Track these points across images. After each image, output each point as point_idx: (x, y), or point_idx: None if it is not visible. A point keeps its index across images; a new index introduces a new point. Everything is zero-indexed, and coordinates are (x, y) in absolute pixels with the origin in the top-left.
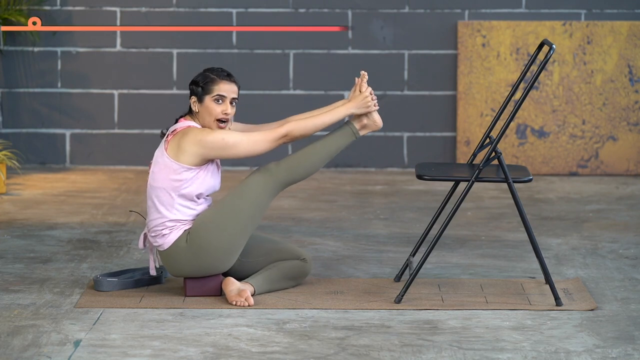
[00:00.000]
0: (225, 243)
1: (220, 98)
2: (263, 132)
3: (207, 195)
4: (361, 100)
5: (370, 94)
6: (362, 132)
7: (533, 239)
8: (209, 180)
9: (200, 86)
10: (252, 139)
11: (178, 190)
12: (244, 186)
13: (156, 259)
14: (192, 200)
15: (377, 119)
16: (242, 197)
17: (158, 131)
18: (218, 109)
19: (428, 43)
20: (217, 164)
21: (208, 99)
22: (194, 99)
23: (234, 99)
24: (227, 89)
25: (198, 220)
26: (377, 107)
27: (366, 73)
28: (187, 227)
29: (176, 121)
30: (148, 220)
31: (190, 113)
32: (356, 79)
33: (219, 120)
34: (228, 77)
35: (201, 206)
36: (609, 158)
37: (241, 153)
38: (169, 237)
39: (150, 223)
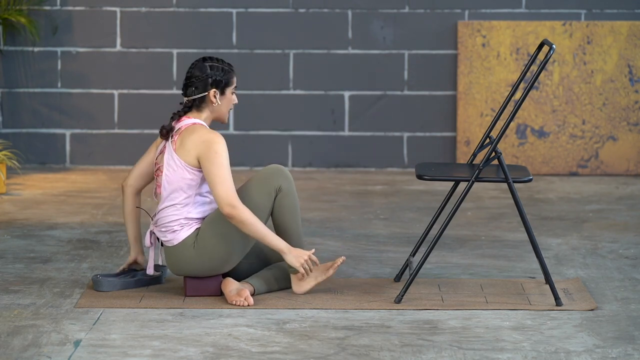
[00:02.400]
0: (232, 245)
1: (235, 90)
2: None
3: None
4: (299, 254)
5: (309, 260)
6: (294, 276)
7: (533, 239)
8: None
9: (222, 79)
10: (228, 183)
11: (194, 189)
12: (246, 188)
13: (159, 256)
14: (206, 197)
15: (306, 287)
16: (245, 198)
17: (158, 131)
18: (234, 98)
19: (428, 43)
20: None
21: (229, 91)
22: (215, 91)
23: None
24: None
25: (206, 220)
26: (304, 276)
27: (344, 259)
28: (199, 225)
29: (175, 119)
30: (159, 216)
31: (191, 110)
32: (312, 253)
33: (230, 110)
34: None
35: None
36: (609, 158)
37: (213, 179)
38: (180, 234)
39: (163, 219)
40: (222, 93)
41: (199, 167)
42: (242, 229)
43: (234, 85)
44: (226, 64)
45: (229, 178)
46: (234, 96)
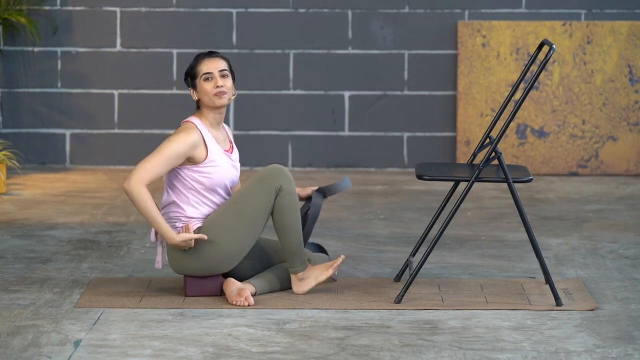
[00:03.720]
0: (232, 244)
1: (208, 76)
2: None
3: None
4: (185, 236)
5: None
6: (295, 276)
7: (533, 239)
8: (221, 174)
9: (189, 75)
10: (146, 163)
11: (187, 189)
12: (246, 188)
13: (164, 253)
14: (204, 196)
15: (306, 287)
16: (246, 198)
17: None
18: (209, 87)
19: (428, 43)
20: (230, 159)
21: (200, 82)
22: (191, 89)
23: (222, 70)
24: (211, 65)
25: (208, 219)
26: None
27: (344, 258)
28: (200, 224)
29: None
30: (162, 213)
31: (197, 110)
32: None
33: (216, 96)
34: (209, 54)
35: (216, 204)
36: (609, 158)
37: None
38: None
39: (166, 215)
40: (194, 86)
41: (179, 165)
42: (129, 197)
43: (201, 73)
44: (200, 54)
45: (152, 161)
46: (210, 82)
